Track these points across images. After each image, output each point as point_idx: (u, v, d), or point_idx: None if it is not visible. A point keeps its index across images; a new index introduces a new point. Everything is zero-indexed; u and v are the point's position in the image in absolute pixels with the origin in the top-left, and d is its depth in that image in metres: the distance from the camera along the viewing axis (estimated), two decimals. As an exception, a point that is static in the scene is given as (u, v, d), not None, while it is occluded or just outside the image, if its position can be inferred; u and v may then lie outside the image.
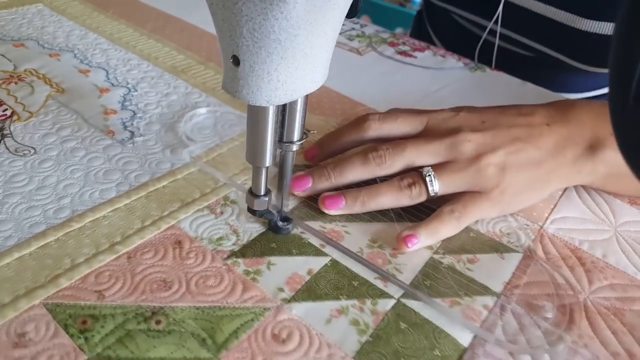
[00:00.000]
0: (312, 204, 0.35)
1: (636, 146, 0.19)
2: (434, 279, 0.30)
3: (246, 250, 0.31)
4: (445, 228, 0.33)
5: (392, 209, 0.35)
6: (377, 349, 0.26)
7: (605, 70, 0.57)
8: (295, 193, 0.35)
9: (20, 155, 0.37)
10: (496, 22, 0.58)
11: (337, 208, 0.34)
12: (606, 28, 0.50)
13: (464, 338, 0.27)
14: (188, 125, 0.43)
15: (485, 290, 0.30)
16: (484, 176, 0.34)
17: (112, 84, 0.48)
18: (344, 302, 0.29)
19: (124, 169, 0.37)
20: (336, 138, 0.38)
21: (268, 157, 0.29)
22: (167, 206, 0.34)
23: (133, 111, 0.44)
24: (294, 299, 0.28)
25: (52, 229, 0.31)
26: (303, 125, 0.30)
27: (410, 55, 0.59)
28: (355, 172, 0.35)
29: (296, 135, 0.30)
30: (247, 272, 0.30)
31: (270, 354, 0.26)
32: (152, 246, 0.31)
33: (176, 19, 0.63)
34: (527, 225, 0.35)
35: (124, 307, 0.27)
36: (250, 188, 0.31)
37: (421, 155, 0.34)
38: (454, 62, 0.58)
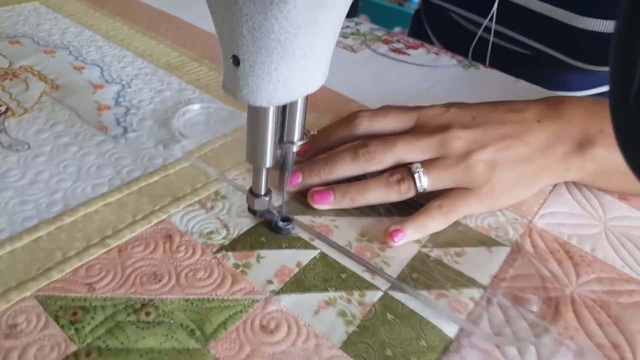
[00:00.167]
0: (302, 198, 0.35)
1: (636, 146, 0.19)
2: (421, 272, 0.31)
3: (236, 244, 0.31)
4: (432, 223, 0.33)
5: (382, 204, 0.35)
6: (364, 340, 0.27)
7: (602, 69, 0.57)
8: (286, 188, 0.35)
9: (14, 151, 0.38)
10: (491, 19, 0.58)
11: (325, 203, 0.34)
12: (603, 26, 0.50)
13: (450, 329, 0.28)
14: (181, 121, 0.43)
15: (472, 283, 0.30)
16: (474, 173, 0.34)
17: (107, 81, 0.48)
18: (331, 294, 0.29)
19: (117, 164, 0.37)
20: (327, 134, 0.38)
21: (268, 157, 0.29)
22: (159, 201, 0.34)
23: (127, 107, 0.44)
24: (283, 290, 0.29)
25: (45, 222, 0.32)
26: (303, 126, 0.30)
27: (404, 53, 0.59)
28: (345, 168, 0.35)
29: (296, 136, 0.30)
30: (236, 265, 0.30)
31: (259, 344, 0.26)
32: (143, 240, 0.31)
33: (171, 16, 0.64)
34: (516, 220, 0.36)
35: (114, 299, 0.27)
36: (251, 188, 0.31)
37: (411, 151, 0.35)
38: (447, 60, 0.58)
